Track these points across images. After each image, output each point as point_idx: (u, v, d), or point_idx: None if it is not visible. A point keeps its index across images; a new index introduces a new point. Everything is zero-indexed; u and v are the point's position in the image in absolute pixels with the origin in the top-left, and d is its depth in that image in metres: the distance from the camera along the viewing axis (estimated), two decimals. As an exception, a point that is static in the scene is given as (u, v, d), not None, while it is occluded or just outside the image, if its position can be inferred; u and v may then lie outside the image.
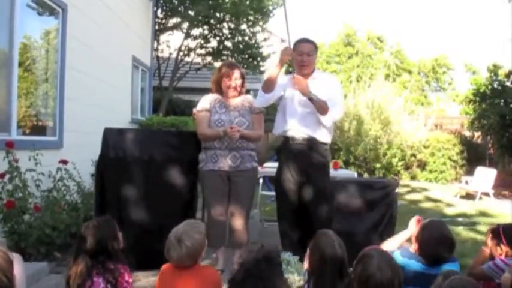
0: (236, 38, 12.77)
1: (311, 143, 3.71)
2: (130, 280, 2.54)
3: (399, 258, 2.65)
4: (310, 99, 3.58)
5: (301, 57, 3.71)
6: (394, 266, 2.14)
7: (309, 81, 3.67)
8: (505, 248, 2.81)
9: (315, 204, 3.70)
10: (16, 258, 2.13)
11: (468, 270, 2.97)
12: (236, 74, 3.94)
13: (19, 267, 2.13)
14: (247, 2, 11.67)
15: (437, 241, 2.64)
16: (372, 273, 2.05)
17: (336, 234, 2.59)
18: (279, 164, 3.92)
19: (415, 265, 2.65)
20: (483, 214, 7.76)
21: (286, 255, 3.33)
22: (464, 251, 5.12)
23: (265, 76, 3.65)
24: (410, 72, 21.43)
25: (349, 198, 4.18)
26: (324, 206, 3.73)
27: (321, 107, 3.63)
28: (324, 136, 3.77)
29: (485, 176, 9.81)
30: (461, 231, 6.23)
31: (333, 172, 5.76)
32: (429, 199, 9.49)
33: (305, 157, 3.70)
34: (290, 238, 3.77)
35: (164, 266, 2.56)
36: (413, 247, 2.78)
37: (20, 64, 5.00)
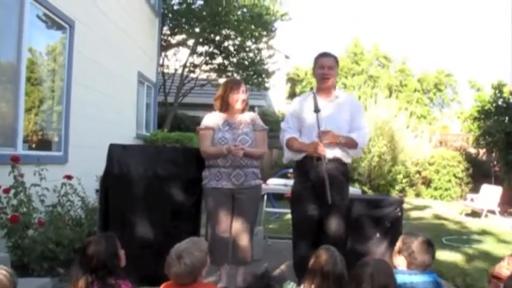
0: (241, 55, 12.88)
1: (337, 163, 3.68)
2: (132, 295, 2.53)
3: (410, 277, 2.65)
4: (340, 142, 3.62)
5: (322, 70, 3.76)
6: (388, 276, 2.22)
7: (331, 101, 3.76)
8: None
9: (332, 224, 3.66)
10: None
11: None
12: (242, 87, 4.02)
13: None
14: (249, 18, 11.77)
15: (427, 247, 2.73)
16: (363, 280, 2.16)
17: (344, 253, 2.62)
18: (296, 180, 3.88)
19: (426, 277, 2.67)
20: (488, 232, 7.69)
21: (290, 285, 3.32)
22: (468, 270, 5.08)
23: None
24: (414, 90, 21.52)
25: (354, 215, 4.15)
26: (342, 226, 3.70)
27: (349, 144, 3.67)
28: (346, 156, 3.75)
29: (491, 194, 9.75)
30: (467, 250, 6.17)
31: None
32: (434, 217, 9.43)
33: (330, 177, 3.59)
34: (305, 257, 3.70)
35: (163, 285, 2.55)
36: (398, 262, 2.80)
37: (27, 79, 5.05)
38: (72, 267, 2.57)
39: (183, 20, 11.82)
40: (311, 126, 3.69)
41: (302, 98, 4.01)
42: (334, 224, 3.66)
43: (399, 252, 2.78)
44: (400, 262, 2.76)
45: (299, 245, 3.81)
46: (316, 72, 3.81)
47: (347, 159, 3.77)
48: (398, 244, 2.82)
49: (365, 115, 3.89)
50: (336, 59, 3.86)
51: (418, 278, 2.64)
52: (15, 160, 4.20)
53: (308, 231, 3.73)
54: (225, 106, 3.99)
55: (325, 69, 3.74)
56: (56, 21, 5.58)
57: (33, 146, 5.32)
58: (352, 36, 22.81)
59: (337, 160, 3.68)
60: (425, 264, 2.71)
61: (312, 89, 3.86)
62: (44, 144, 5.60)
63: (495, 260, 4.21)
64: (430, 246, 2.75)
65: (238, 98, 3.95)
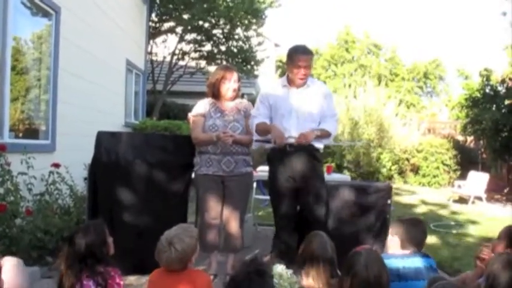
0: (230, 42, 12.78)
1: (311, 148, 3.76)
2: (122, 282, 2.53)
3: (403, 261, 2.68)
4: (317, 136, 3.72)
5: (298, 70, 3.71)
6: (381, 265, 2.22)
7: (303, 90, 3.82)
8: None
9: (312, 207, 3.73)
10: (15, 265, 2.15)
11: (461, 283, 2.98)
12: (235, 76, 3.98)
13: (18, 274, 2.15)
14: (240, 5, 11.66)
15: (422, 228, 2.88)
16: (358, 270, 2.16)
17: (329, 237, 2.64)
18: (272, 169, 3.89)
19: (419, 261, 2.71)
20: (475, 218, 7.79)
21: (279, 269, 3.34)
22: (456, 255, 5.14)
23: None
24: (403, 78, 21.57)
25: (342, 202, 4.17)
26: (321, 209, 3.77)
27: (324, 135, 3.80)
28: (318, 142, 3.85)
29: (478, 180, 9.87)
30: (454, 235, 6.25)
31: (326, 176, 5.77)
32: (422, 203, 9.53)
33: (303, 162, 3.72)
34: (288, 244, 3.75)
35: (154, 271, 2.55)
36: (391, 244, 2.83)
37: (13, 67, 4.97)
38: (59, 255, 2.54)
39: (171, 6, 11.68)
40: (283, 115, 3.79)
41: (273, 87, 4.02)
42: (314, 210, 3.73)
43: (392, 234, 2.81)
44: (393, 244, 2.78)
45: (283, 233, 3.85)
46: (292, 70, 3.75)
47: (319, 145, 3.87)
48: (391, 228, 2.87)
49: (334, 100, 4.11)
50: (312, 54, 3.88)
51: (411, 263, 2.66)
52: (1, 148, 4.15)
53: (290, 218, 3.80)
54: (217, 93, 3.97)
55: (302, 70, 3.71)
56: (42, 7, 5.47)
57: (20, 134, 5.25)
58: (343, 24, 22.77)
59: (310, 146, 3.74)
60: (417, 241, 2.77)
61: (284, 74, 3.92)
62: (31, 132, 5.53)
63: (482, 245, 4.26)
64: (419, 222, 2.87)
65: (230, 86, 3.93)
